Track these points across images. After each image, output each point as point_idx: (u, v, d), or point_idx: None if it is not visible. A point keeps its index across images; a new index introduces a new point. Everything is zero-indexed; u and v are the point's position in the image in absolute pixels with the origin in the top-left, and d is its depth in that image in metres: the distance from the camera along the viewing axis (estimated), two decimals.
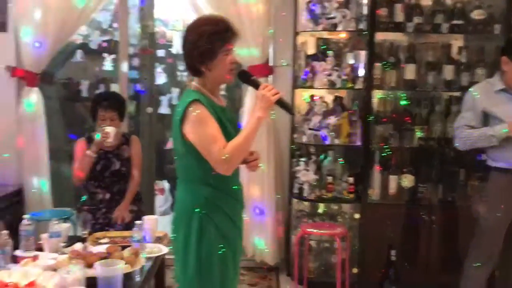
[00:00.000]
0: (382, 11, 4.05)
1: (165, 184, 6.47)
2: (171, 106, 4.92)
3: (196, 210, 2.39)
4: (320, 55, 4.25)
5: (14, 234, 2.96)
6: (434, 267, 4.09)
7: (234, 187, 2.50)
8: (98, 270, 2.48)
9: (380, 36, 4.17)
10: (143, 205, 4.15)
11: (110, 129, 3.75)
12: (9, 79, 4.47)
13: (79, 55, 4.88)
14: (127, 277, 2.68)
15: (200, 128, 2.32)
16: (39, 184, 4.50)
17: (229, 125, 2.46)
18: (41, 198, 4.50)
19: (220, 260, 2.43)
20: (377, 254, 4.10)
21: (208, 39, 2.33)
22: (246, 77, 2.50)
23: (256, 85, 2.44)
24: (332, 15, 4.05)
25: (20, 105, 4.44)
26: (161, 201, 6.49)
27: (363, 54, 4.11)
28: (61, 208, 4.39)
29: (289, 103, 2.52)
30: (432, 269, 4.10)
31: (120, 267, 2.51)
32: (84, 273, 2.47)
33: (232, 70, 2.42)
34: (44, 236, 3.06)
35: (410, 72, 4.10)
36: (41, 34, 4.31)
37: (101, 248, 2.96)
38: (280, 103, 2.40)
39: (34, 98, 4.43)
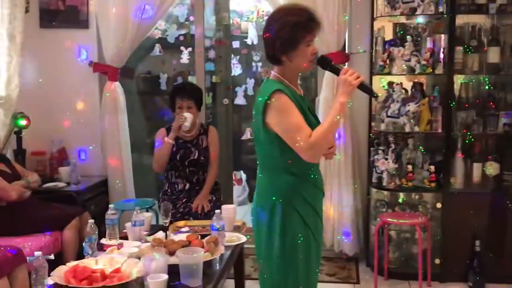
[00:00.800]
0: None
1: (243, 175, 6.54)
2: (247, 97, 4.94)
3: (279, 198, 2.40)
4: (398, 41, 4.14)
5: (100, 223, 3.10)
6: None
7: (315, 176, 2.49)
8: (180, 257, 2.55)
9: (460, 19, 4.01)
10: (221, 195, 4.22)
11: (187, 115, 3.86)
12: (92, 74, 4.64)
13: (157, 49, 4.99)
14: (207, 265, 2.74)
15: (284, 117, 2.32)
16: (122, 175, 4.65)
17: (309, 113, 2.46)
18: (124, 189, 4.65)
19: (304, 247, 2.42)
20: (460, 244, 3.99)
21: (291, 29, 2.32)
22: (326, 63, 2.46)
23: (336, 71, 2.41)
24: None
25: (102, 99, 4.61)
26: (238, 191, 6.57)
27: (443, 38, 3.96)
28: (144, 198, 4.56)
29: (371, 87, 2.46)
30: None
31: (201, 255, 2.57)
32: (166, 260, 2.54)
33: (312, 61, 2.41)
34: (128, 225, 3.18)
35: (493, 55, 3.93)
36: (120, 31, 4.44)
37: (182, 237, 3.03)
38: (362, 86, 2.36)
39: (115, 92, 4.57)
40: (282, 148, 2.36)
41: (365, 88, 2.39)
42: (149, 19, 4.45)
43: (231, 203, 4.67)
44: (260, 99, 2.38)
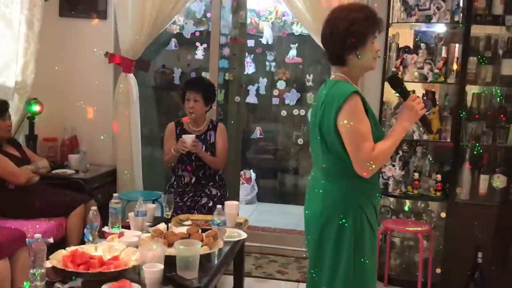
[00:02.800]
0: (480, 3, 3.88)
1: (252, 174, 6.56)
2: (259, 95, 4.97)
3: (351, 204, 2.34)
4: (412, 48, 4.14)
5: (105, 212, 3.15)
6: None
7: (378, 181, 2.51)
8: (177, 249, 2.58)
9: (477, 30, 3.99)
10: (227, 191, 4.25)
11: (186, 137, 3.95)
12: (107, 65, 4.69)
13: (172, 43, 5.04)
14: (206, 258, 2.76)
15: (355, 122, 2.25)
16: (131, 165, 4.70)
17: (371, 120, 2.38)
18: (132, 180, 4.70)
19: (371, 253, 2.38)
20: (462, 255, 3.97)
21: (361, 25, 2.29)
22: (398, 83, 2.43)
23: (405, 95, 2.39)
24: (426, 7, 3.92)
25: (116, 90, 4.66)
26: (247, 190, 6.60)
27: (457, 47, 3.95)
28: (152, 190, 4.60)
29: (431, 122, 2.47)
30: None
31: (197, 248, 2.60)
32: (163, 250, 2.57)
33: (375, 59, 2.38)
34: (131, 214, 3.21)
35: (507, 67, 3.90)
36: (137, 23, 4.49)
37: (183, 229, 3.06)
38: (424, 120, 2.40)
39: (129, 84, 4.62)
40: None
41: (425, 120, 2.44)
42: (166, 14, 4.49)
43: (236, 200, 4.69)
44: (334, 99, 2.29)
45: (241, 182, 6.48)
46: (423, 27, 4.19)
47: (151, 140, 5.38)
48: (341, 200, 2.35)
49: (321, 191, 2.40)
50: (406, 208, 4.33)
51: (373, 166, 2.25)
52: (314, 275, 2.45)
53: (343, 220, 2.32)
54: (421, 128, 3.90)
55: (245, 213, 5.81)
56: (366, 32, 2.31)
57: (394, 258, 4.25)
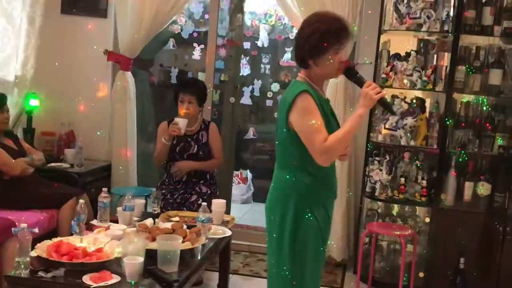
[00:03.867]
0: (470, 13, 3.95)
1: (248, 174, 6.65)
2: (253, 97, 5.06)
3: (294, 195, 2.49)
4: (403, 55, 4.21)
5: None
6: (505, 280, 3.96)
7: (331, 178, 2.59)
8: (159, 243, 2.67)
9: (466, 39, 4.07)
10: (217, 190, 4.33)
11: (180, 122, 3.99)
12: (106, 62, 4.79)
13: (171, 43, 5.14)
14: (188, 253, 2.85)
15: (306, 118, 2.40)
16: (126, 162, 4.79)
17: (331, 117, 2.55)
18: (127, 175, 4.80)
19: (314, 244, 2.52)
20: (445, 260, 4.03)
21: (321, 36, 2.41)
22: (352, 74, 2.55)
23: (360, 83, 2.50)
24: (417, 15, 4.00)
25: (113, 87, 4.76)
26: (243, 190, 6.68)
27: (446, 56, 4.02)
28: (146, 186, 4.70)
29: (390, 103, 2.56)
30: (502, 282, 3.96)
31: (178, 243, 2.69)
32: (145, 244, 2.66)
33: (339, 69, 2.50)
34: (119, 209, 3.31)
35: (495, 77, 3.97)
36: (136, 22, 4.59)
37: (168, 225, 3.15)
38: (382, 102, 2.47)
39: (126, 81, 4.72)
40: (302, 147, 2.44)
41: (385, 103, 2.51)
42: (165, 14, 4.59)
43: (228, 200, 4.79)
44: (286, 98, 2.48)
45: (237, 182, 6.58)
46: (429, 35, 4.24)
47: (147, 137, 5.48)
48: (284, 192, 2.53)
49: (272, 184, 2.62)
50: (394, 213, 4.41)
51: (328, 155, 2.40)
52: (269, 260, 2.63)
53: (285, 210, 2.49)
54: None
55: (240, 212, 5.91)
56: (325, 44, 2.41)
57: (379, 261, 4.32)
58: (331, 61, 2.44)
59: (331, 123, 2.51)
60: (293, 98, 2.42)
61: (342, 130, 2.43)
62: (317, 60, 2.45)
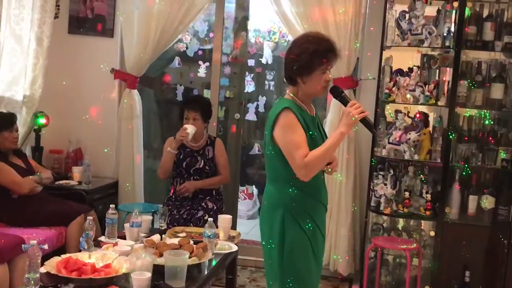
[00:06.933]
0: (471, 29, 4.01)
1: (254, 189, 6.69)
2: (258, 113, 5.14)
3: (281, 208, 2.57)
4: (406, 71, 4.26)
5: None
6: None
7: (319, 191, 2.65)
8: (166, 258, 2.71)
9: (468, 54, 4.12)
10: (223, 205, 4.37)
11: (189, 127, 4.05)
12: (113, 81, 4.87)
13: (176, 61, 5.22)
14: (196, 269, 2.89)
15: (288, 134, 2.51)
16: (133, 178, 4.85)
17: (317, 134, 2.62)
18: (134, 192, 4.85)
19: (302, 258, 2.58)
20: (451, 273, 4.04)
21: (308, 56, 2.52)
22: (338, 92, 2.65)
23: (345, 102, 2.58)
24: (418, 31, 4.06)
25: (120, 105, 4.83)
26: (249, 205, 6.72)
27: (448, 71, 4.07)
28: (153, 203, 4.74)
29: (372, 123, 2.62)
30: None
31: (185, 258, 2.73)
32: (152, 259, 2.70)
33: (324, 87, 2.59)
34: (127, 225, 3.35)
35: (497, 91, 4.02)
36: (142, 42, 4.67)
37: (175, 241, 3.19)
38: (364, 122, 2.53)
39: (133, 99, 4.79)
40: (286, 162, 2.53)
41: (367, 123, 2.56)
42: (170, 34, 4.67)
43: (234, 215, 4.81)
44: (271, 115, 2.59)
45: (243, 197, 6.61)
46: (432, 51, 4.29)
47: (154, 154, 5.53)
48: (272, 202, 2.62)
49: (264, 195, 2.72)
50: (399, 226, 4.43)
51: (307, 170, 2.48)
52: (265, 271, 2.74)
53: (273, 222, 2.58)
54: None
55: (246, 227, 5.94)
56: (312, 64, 2.51)
57: (385, 275, 4.34)
58: (318, 80, 2.53)
59: (316, 139, 2.57)
60: (276, 115, 2.53)
61: (322, 147, 2.50)
62: (304, 79, 2.54)
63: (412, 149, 4.11)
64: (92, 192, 4.45)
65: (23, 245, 2.57)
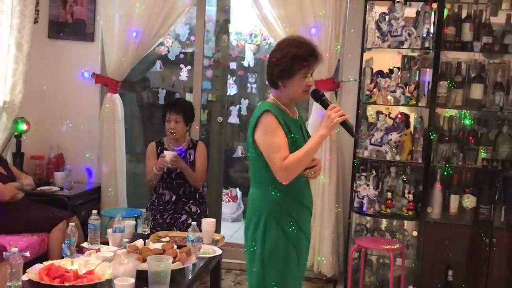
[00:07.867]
0: (450, 30, 4.05)
1: (238, 192, 6.69)
2: (240, 116, 5.14)
3: (263, 211, 2.58)
4: (386, 72, 4.30)
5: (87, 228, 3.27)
6: None
7: (302, 194, 2.66)
8: (149, 264, 2.70)
9: (448, 55, 4.16)
10: (207, 209, 4.37)
11: (167, 154, 4.10)
12: (94, 85, 4.84)
13: (158, 65, 5.21)
14: (179, 273, 2.88)
15: (268, 136, 2.52)
16: (115, 183, 4.82)
17: (299, 136, 2.63)
18: (116, 197, 4.83)
19: (283, 261, 2.58)
20: (434, 273, 4.07)
21: (290, 60, 2.53)
22: (318, 96, 2.67)
23: (325, 105, 2.60)
24: (398, 33, 4.09)
25: (101, 110, 4.80)
26: (233, 208, 6.72)
27: (428, 72, 4.11)
28: (136, 207, 4.72)
29: (352, 127, 2.65)
30: None
31: (169, 263, 2.72)
32: (135, 265, 2.69)
33: (306, 91, 2.60)
34: (109, 231, 3.33)
35: (476, 91, 4.06)
36: (123, 46, 4.65)
37: (158, 245, 3.18)
38: (345, 125, 2.55)
39: (114, 103, 4.76)
40: (268, 165, 2.54)
41: (347, 126, 2.58)
42: (151, 37, 4.66)
43: (218, 218, 4.82)
44: (252, 118, 2.60)
45: (227, 200, 6.61)
46: (412, 52, 4.32)
47: (136, 158, 5.51)
48: (255, 206, 2.63)
49: (248, 197, 2.72)
50: (382, 227, 4.46)
51: (287, 173, 2.50)
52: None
53: (256, 225, 2.59)
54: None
55: (230, 230, 5.93)
56: (292, 68, 2.53)
57: (369, 275, 4.36)
58: (299, 84, 2.55)
59: (298, 142, 2.58)
60: (257, 118, 2.55)
61: (302, 150, 2.51)
62: (285, 82, 2.56)
63: (393, 149, 4.14)
64: (74, 198, 4.42)
65: (4, 253, 2.55)
